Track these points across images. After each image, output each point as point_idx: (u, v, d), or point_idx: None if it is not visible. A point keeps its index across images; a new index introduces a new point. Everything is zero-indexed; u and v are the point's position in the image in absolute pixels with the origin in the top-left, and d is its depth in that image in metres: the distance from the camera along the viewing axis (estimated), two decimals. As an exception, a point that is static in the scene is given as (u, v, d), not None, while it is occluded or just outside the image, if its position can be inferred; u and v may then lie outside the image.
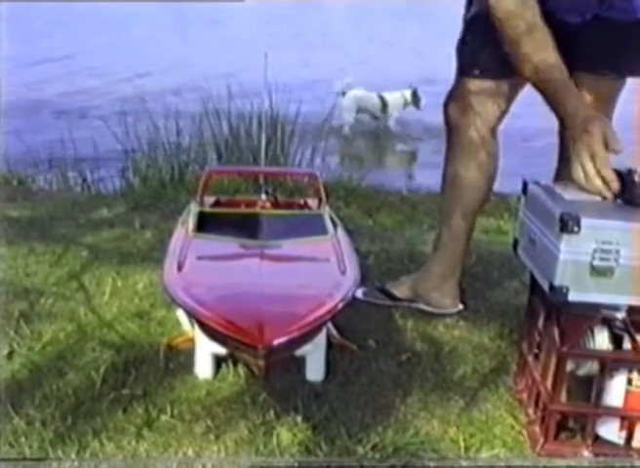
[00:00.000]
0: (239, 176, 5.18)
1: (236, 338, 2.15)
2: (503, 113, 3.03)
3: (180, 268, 2.57)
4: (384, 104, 9.55)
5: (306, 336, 2.26)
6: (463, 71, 3.01)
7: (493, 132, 3.04)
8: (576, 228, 2.08)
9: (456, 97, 3.04)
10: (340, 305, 2.34)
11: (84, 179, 5.90)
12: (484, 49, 2.87)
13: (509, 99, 3.01)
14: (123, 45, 15.83)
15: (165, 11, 19.48)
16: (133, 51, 14.90)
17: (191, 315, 2.43)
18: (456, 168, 3.07)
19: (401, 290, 3.26)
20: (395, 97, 9.60)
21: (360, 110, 9.66)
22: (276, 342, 2.09)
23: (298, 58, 13.31)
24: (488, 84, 2.95)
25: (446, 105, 3.08)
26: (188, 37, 16.78)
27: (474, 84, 2.97)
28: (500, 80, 2.93)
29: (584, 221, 2.09)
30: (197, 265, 2.62)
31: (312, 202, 3.40)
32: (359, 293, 3.21)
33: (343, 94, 9.40)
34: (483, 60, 2.92)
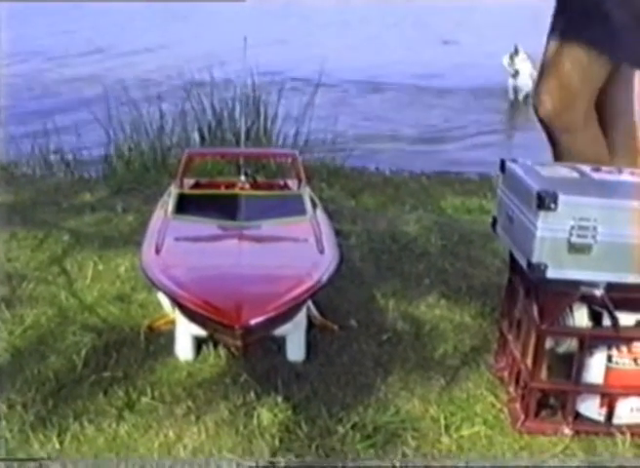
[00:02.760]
0: (220, 159, 5.16)
1: (214, 319, 2.15)
2: (594, 91, 2.98)
3: (157, 250, 2.56)
4: None
5: (285, 316, 2.26)
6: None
7: (588, 111, 3.00)
8: (553, 205, 2.08)
9: (542, 85, 3.02)
10: (319, 285, 2.35)
11: (67, 164, 5.86)
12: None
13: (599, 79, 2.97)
14: (106, 29, 15.71)
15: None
16: (115, 35, 14.78)
17: (169, 297, 2.43)
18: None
19: None
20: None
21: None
22: (253, 322, 2.09)
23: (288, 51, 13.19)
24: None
25: (536, 95, 3.06)
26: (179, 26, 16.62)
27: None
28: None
29: (562, 198, 2.09)
30: (175, 247, 2.62)
31: (292, 183, 3.39)
32: None
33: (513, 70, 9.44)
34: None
